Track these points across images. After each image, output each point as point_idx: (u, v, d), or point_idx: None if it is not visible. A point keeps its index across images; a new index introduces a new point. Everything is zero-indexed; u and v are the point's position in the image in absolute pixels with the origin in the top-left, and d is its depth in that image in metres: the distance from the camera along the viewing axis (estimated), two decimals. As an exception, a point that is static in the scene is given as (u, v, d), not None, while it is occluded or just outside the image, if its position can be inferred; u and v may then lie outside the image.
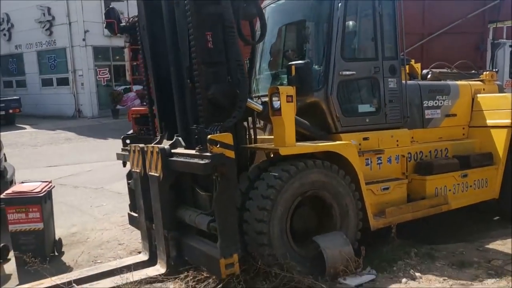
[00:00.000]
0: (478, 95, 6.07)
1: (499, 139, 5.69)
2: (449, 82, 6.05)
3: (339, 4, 4.62)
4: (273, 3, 5.31)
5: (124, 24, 9.87)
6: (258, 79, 5.33)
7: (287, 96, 3.93)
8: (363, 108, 4.94)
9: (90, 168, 10.69)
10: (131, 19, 10.11)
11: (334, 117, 4.65)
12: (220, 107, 4.14)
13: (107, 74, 22.46)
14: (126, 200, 6.45)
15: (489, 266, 4.20)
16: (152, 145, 4.39)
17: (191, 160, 3.67)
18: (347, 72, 4.71)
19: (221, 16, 3.99)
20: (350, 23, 4.89)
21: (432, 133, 5.69)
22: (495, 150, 5.70)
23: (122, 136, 5.54)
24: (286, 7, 5.24)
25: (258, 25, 4.58)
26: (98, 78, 22.31)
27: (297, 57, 5.02)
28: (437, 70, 6.55)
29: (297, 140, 4.32)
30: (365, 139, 4.81)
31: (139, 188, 4.60)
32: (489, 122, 5.84)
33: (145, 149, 4.38)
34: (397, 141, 5.08)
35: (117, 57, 22.26)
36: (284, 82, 4.96)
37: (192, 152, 3.75)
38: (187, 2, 3.91)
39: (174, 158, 4.02)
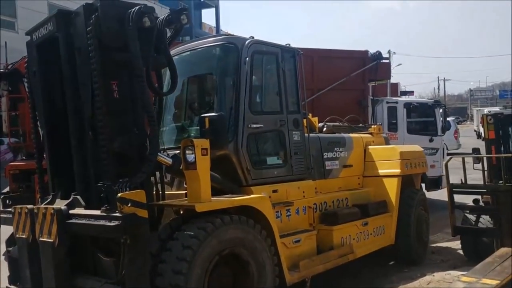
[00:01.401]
0: (369, 146, 6.52)
1: (391, 188, 6.11)
2: (344, 135, 6.42)
3: (246, 58, 4.67)
4: (177, 55, 5.20)
5: (2, 70, 9.01)
6: (162, 132, 5.08)
7: (202, 149, 3.76)
8: (271, 160, 4.95)
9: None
10: (10, 65, 9.28)
11: (245, 169, 4.57)
12: (126, 161, 3.81)
13: (-28, 125, 19.99)
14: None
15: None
16: (44, 205, 3.84)
17: (96, 222, 3.24)
18: (255, 125, 4.71)
19: (128, 64, 3.74)
20: (256, 77, 4.96)
21: (332, 183, 5.90)
22: (388, 198, 6.09)
23: (1, 196, 4.82)
24: (190, 59, 5.16)
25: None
26: (-39, 129, 19.75)
27: (203, 110, 4.92)
28: (331, 124, 6.94)
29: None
30: (274, 191, 4.78)
31: (25, 256, 3.94)
32: (381, 171, 6.26)
33: (35, 210, 3.80)
34: (304, 192, 5.15)
35: (-14, 106, 20.03)
36: (192, 134, 4.80)
37: (97, 212, 3.33)
38: (91, 48, 3.60)
39: (72, 221, 3.53)
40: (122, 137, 3.78)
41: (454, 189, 6.29)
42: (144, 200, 3.21)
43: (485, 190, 6.11)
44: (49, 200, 4.16)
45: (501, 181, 5.93)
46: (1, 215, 4.56)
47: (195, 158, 3.73)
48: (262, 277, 4.00)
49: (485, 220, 6.20)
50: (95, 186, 3.50)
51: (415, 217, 6.25)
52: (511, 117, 6.33)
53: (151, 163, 3.69)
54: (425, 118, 10.26)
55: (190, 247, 3.48)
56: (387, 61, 10.08)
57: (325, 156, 5.84)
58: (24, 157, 8.89)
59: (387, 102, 10.11)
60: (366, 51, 9.99)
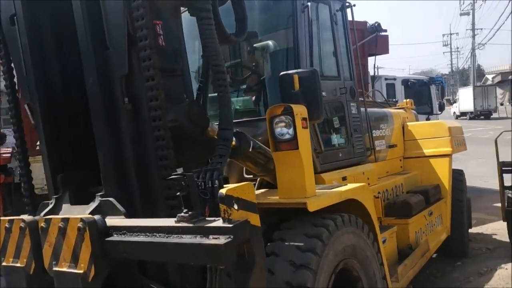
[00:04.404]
0: (408, 123, 5.61)
1: (442, 169, 5.23)
2: (385, 110, 5.45)
3: (309, 4, 3.52)
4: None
5: None
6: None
7: (302, 119, 2.55)
8: (336, 139, 3.87)
9: None
10: None
11: (313, 151, 3.43)
12: (180, 141, 2.53)
13: None
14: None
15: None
16: (62, 216, 2.46)
17: (178, 241, 1.94)
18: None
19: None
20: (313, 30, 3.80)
21: (382, 167, 4.92)
22: (440, 182, 5.20)
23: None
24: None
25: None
26: None
27: (249, 74, 3.73)
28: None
29: (264, 186, 3.03)
30: (343, 178, 3.69)
31: (23, 295, 2.53)
32: (427, 151, 5.36)
33: (43, 224, 2.40)
34: (368, 178, 4.11)
35: None
36: (238, 106, 3.58)
37: (168, 222, 2.03)
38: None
39: (115, 238, 2.19)
40: (176, 105, 2.50)
41: (504, 168, 5.57)
42: (255, 197, 1.97)
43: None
44: (51, 206, 2.76)
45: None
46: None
47: (295, 132, 2.51)
48: (373, 296, 2.90)
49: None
50: (170, 179, 2.11)
51: (466, 202, 5.43)
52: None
53: (228, 143, 2.43)
54: (422, 95, 9.59)
55: (307, 266, 2.29)
56: (386, 33, 9.24)
57: (374, 135, 4.83)
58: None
59: (386, 79, 9.34)
60: (365, 22, 9.04)
